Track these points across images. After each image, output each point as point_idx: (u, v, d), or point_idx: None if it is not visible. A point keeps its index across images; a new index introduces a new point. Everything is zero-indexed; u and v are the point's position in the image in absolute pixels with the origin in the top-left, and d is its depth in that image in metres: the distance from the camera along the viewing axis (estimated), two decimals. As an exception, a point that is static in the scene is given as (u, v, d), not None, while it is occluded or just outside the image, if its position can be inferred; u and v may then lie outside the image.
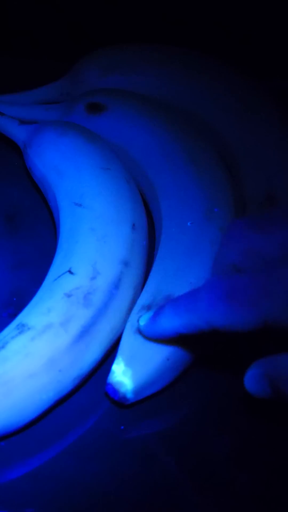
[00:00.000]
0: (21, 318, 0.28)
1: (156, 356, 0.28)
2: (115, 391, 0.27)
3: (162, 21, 0.50)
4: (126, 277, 0.29)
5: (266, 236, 0.25)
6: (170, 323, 0.26)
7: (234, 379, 0.31)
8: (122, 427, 0.29)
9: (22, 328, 0.27)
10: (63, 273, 0.29)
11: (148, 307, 0.29)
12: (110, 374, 0.28)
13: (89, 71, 0.43)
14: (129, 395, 0.28)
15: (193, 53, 0.43)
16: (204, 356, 0.30)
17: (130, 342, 0.28)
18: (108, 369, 0.28)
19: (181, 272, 0.30)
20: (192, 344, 0.28)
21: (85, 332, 0.27)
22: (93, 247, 0.30)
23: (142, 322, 0.28)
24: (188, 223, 0.32)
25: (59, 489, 0.27)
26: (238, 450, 0.29)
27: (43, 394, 0.27)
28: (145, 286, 0.31)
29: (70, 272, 0.29)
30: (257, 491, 0.28)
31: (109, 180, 0.33)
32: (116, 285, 0.29)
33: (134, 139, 0.37)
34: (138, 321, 0.28)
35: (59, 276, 0.29)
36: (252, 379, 0.25)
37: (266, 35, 0.48)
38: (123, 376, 0.28)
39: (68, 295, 0.28)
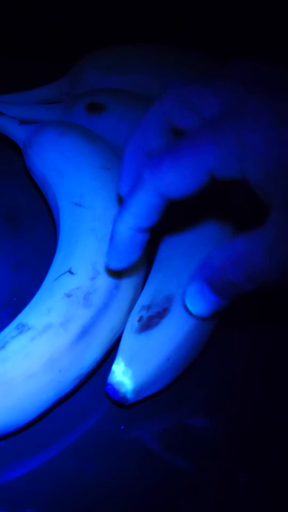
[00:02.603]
0: (21, 318, 0.28)
1: (156, 356, 0.28)
2: (115, 391, 0.27)
3: (162, 21, 0.50)
4: (126, 277, 0.29)
5: (211, 93, 0.23)
6: (125, 223, 0.24)
7: (234, 379, 0.31)
8: (122, 427, 0.29)
9: (22, 328, 0.27)
10: (63, 273, 0.29)
11: (148, 307, 0.29)
12: (110, 374, 0.28)
13: (89, 71, 0.43)
14: (129, 395, 0.28)
15: (193, 53, 0.43)
16: (204, 356, 0.30)
17: (130, 342, 0.28)
18: (108, 369, 0.28)
19: (181, 272, 0.30)
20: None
21: (85, 332, 0.27)
22: (93, 247, 0.30)
23: (106, 259, 0.26)
24: (188, 223, 0.32)
25: (59, 489, 0.27)
26: (238, 450, 0.29)
27: (43, 394, 0.27)
28: (145, 286, 0.31)
29: (70, 272, 0.29)
30: (257, 491, 0.28)
31: (109, 180, 0.33)
32: (116, 285, 0.29)
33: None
34: (104, 265, 0.26)
35: (59, 276, 0.29)
36: (193, 296, 0.25)
37: (266, 35, 0.48)
38: (123, 376, 0.28)
39: (68, 295, 0.28)
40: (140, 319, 0.29)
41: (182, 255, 0.31)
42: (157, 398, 0.29)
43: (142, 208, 0.24)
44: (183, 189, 0.23)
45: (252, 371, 0.32)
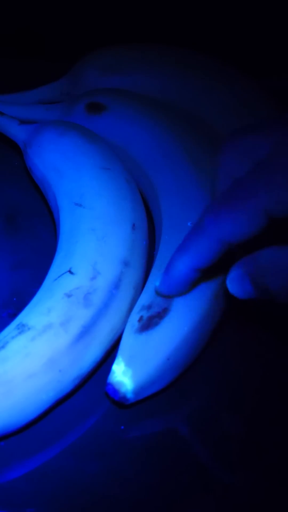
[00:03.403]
0: (21, 318, 0.28)
1: (156, 356, 0.28)
2: (115, 391, 0.27)
3: (161, 21, 0.50)
4: (126, 277, 0.29)
5: (260, 137, 0.24)
6: (184, 263, 0.26)
7: (234, 379, 0.31)
8: (122, 427, 0.29)
9: (22, 328, 0.27)
10: (63, 273, 0.29)
11: (148, 307, 0.29)
12: (110, 374, 0.28)
13: (89, 71, 0.43)
14: (129, 395, 0.28)
15: (193, 53, 0.43)
16: (204, 355, 0.30)
17: (130, 342, 0.28)
18: (108, 369, 0.28)
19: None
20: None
21: (85, 332, 0.27)
22: (93, 247, 0.30)
23: (157, 283, 0.27)
24: (188, 223, 0.32)
25: (59, 489, 0.27)
26: (238, 451, 0.29)
27: (43, 394, 0.27)
28: (145, 286, 0.31)
29: (70, 272, 0.29)
30: (257, 492, 0.28)
31: (109, 180, 0.33)
32: (116, 285, 0.29)
33: (134, 139, 0.37)
34: (155, 287, 0.28)
35: (59, 276, 0.29)
36: (234, 280, 0.25)
37: (265, 35, 0.48)
38: (123, 376, 0.28)
39: (68, 295, 0.28)
40: (140, 319, 0.29)
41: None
42: (157, 398, 0.29)
43: (202, 252, 0.25)
44: (244, 235, 0.24)
45: (252, 371, 0.32)
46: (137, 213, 0.32)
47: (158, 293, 0.29)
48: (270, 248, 0.24)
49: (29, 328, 0.27)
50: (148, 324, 0.28)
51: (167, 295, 0.28)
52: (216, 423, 0.30)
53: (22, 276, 0.35)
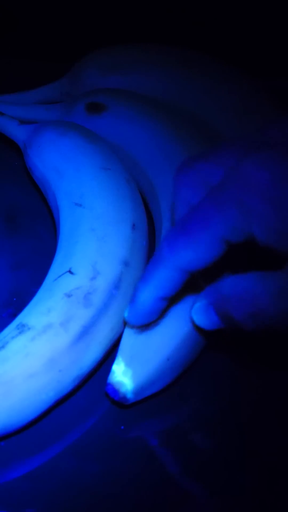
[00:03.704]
0: (21, 318, 0.28)
1: (156, 356, 0.28)
2: (115, 391, 0.27)
3: (161, 21, 0.50)
4: (126, 277, 0.29)
5: (213, 164, 0.24)
6: (147, 293, 0.26)
7: (234, 379, 0.31)
8: (122, 427, 0.29)
9: (22, 328, 0.27)
10: (63, 273, 0.29)
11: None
12: (110, 374, 0.28)
13: (89, 71, 0.43)
14: (129, 395, 0.28)
15: (193, 53, 0.43)
16: (204, 356, 0.30)
17: (130, 342, 0.28)
18: (108, 369, 0.28)
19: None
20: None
21: (85, 332, 0.27)
22: (93, 247, 0.30)
23: (126, 314, 0.27)
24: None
25: (59, 489, 0.27)
26: (239, 450, 0.29)
27: (43, 394, 0.27)
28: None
29: (70, 272, 0.29)
30: (258, 491, 0.28)
31: (109, 180, 0.33)
32: (116, 285, 0.29)
33: (134, 139, 0.37)
34: (124, 318, 0.28)
35: (59, 276, 0.29)
36: (199, 312, 0.25)
37: (265, 35, 0.48)
38: (123, 376, 0.28)
39: (68, 295, 0.28)
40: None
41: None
42: (157, 398, 0.29)
43: (163, 282, 0.25)
44: (203, 262, 0.24)
45: (251, 371, 0.32)
46: (137, 213, 0.32)
47: (127, 324, 0.28)
48: (231, 277, 0.24)
49: (29, 328, 0.27)
50: (148, 324, 0.28)
51: (137, 326, 0.28)
52: (216, 423, 0.30)
53: (22, 276, 0.35)
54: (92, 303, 0.28)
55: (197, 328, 0.28)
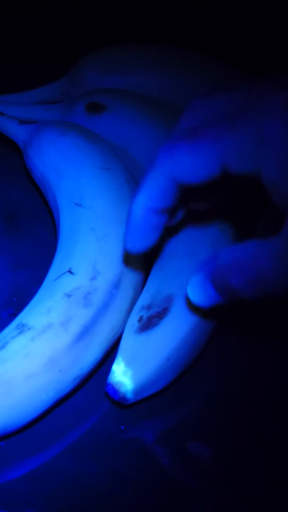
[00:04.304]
0: (21, 318, 0.28)
1: (156, 356, 0.28)
2: (115, 391, 0.27)
3: (161, 21, 0.50)
4: (126, 277, 0.29)
5: (230, 95, 0.23)
6: (138, 203, 0.24)
7: (234, 379, 0.31)
8: (122, 427, 0.29)
9: (22, 328, 0.27)
10: (63, 273, 0.29)
11: (148, 307, 0.29)
12: (110, 374, 0.28)
13: (89, 71, 0.43)
14: (129, 395, 0.28)
15: (192, 52, 0.43)
16: (204, 356, 0.30)
17: (130, 342, 0.28)
18: (108, 369, 0.28)
19: (181, 272, 0.30)
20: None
21: (85, 332, 0.27)
22: (93, 247, 0.30)
23: (124, 242, 0.25)
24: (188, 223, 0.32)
25: (59, 489, 0.27)
26: (238, 450, 0.29)
27: (43, 394, 0.27)
28: (145, 286, 0.31)
29: (70, 272, 0.29)
30: (258, 491, 0.28)
31: (109, 180, 0.33)
32: (116, 285, 0.29)
33: (134, 139, 0.37)
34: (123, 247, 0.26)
35: (59, 276, 0.29)
36: (195, 287, 0.24)
37: (264, 35, 0.48)
38: (123, 376, 0.28)
39: (68, 295, 0.28)
40: (140, 319, 0.29)
41: (182, 255, 0.31)
42: (157, 398, 0.29)
43: (155, 188, 0.24)
44: (194, 176, 0.22)
45: (251, 371, 0.32)
46: (137, 213, 0.32)
47: (127, 250, 0.26)
48: (228, 247, 0.23)
49: (29, 328, 0.27)
50: (148, 324, 0.28)
51: (136, 251, 0.26)
52: (216, 423, 0.30)
53: (22, 276, 0.35)
54: (92, 303, 0.28)
55: (192, 307, 0.27)
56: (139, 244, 0.25)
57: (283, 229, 0.21)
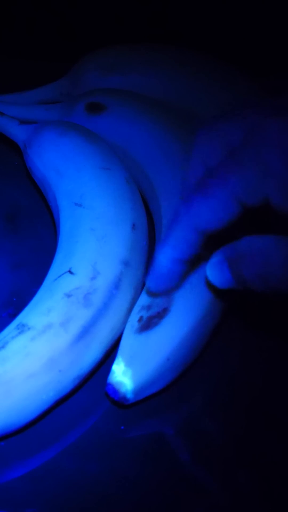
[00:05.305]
0: (21, 318, 0.28)
1: (156, 356, 0.28)
2: (115, 391, 0.27)
3: (161, 21, 0.50)
4: (126, 277, 0.29)
5: (233, 124, 0.24)
6: (165, 255, 0.26)
7: (234, 379, 0.31)
8: (122, 427, 0.29)
9: (22, 328, 0.27)
10: (63, 273, 0.29)
11: (148, 307, 0.29)
12: (110, 374, 0.28)
13: (88, 71, 0.43)
14: (129, 395, 0.28)
15: (192, 52, 0.43)
16: (204, 356, 0.30)
17: (130, 342, 0.28)
18: (108, 369, 0.28)
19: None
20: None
21: (85, 332, 0.27)
22: (93, 247, 0.30)
23: (146, 281, 0.27)
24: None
25: (59, 489, 0.27)
26: (239, 449, 0.29)
27: (43, 394, 0.27)
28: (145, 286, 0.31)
29: (70, 272, 0.29)
30: (258, 490, 0.28)
31: (109, 180, 0.33)
32: (116, 285, 0.29)
33: (134, 139, 0.37)
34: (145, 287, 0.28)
35: (59, 276, 0.29)
36: (214, 267, 0.25)
37: (264, 35, 0.48)
38: (123, 376, 0.28)
39: (68, 295, 0.28)
40: (140, 319, 0.29)
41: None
42: (157, 398, 0.29)
43: (180, 242, 0.25)
44: (218, 223, 0.24)
45: (252, 371, 0.32)
46: (137, 213, 0.32)
47: (148, 291, 0.29)
48: (249, 236, 0.24)
49: (29, 328, 0.27)
50: (148, 324, 0.28)
51: (157, 292, 0.28)
52: (216, 423, 0.30)
53: (22, 276, 0.35)
54: (92, 303, 0.28)
55: (208, 285, 0.27)
56: (163, 288, 0.28)
57: None
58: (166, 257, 0.26)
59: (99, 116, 0.38)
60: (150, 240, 0.33)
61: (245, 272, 0.23)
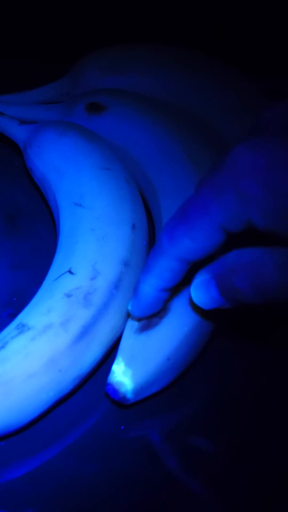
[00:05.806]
0: (21, 318, 0.28)
1: (156, 356, 0.28)
2: (115, 391, 0.27)
3: (161, 21, 0.50)
4: (126, 277, 0.29)
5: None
6: (148, 284, 0.26)
7: (234, 379, 0.31)
8: (122, 427, 0.29)
9: (22, 328, 0.27)
10: (63, 273, 0.29)
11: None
12: (110, 374, 0.28)
13: (89, 71, 0.43)
14: (129, 395, 0.28)
15: (192, 53, 0.43)
16: (204, 356, 0.30)
17: (130, 342, 0.28)
18: (108, 369, 0.28)
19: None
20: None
21: (85, 332, 0.27)
22: (93, 247, 0.30)
23: (129, 307, 0.27)
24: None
25: (59, 489, 0.27)
26: (239, 450, 0.29)
27: (43, 394, 0.27)
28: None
29: (70, 272, 0.29)
30: (257, 491, 0.28)
31: (109, 180, 0.33)
32: (116, 285, 0.29)
33: (134, 139, 0.37)
34: (127, 310, 0.28)
35: (59, 276, 0.29)
36: (199, 287, 0.25)
37: (264, 35, 0.48)
38: (123, 376, 0.28)
39: (68, 295, 0.28)
40: (140, 319, 0.29)
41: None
42: (157, 398, 0.29)
43: (164, 272, 0.25)
44: (202, 251, 0.23)
45: (251, 371, 0.32)
46: (137, 213, 0.32)
47: (131, 317, 0.28)
48: (236, 250, 0.23)
49: (29, 328, 0.27)
50: (148, 324, 0.28)
51: (141, 317, 0.28)
52: (217, 423, 0.30)
53: (22, 276, 0.35)
54: (92, 303, 0.28)
55: (193, 307, 0.27)
56: (145, 314, 0.28)
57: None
58: (152, 287, 0.26)
59: (99, 116, 0.38)
60: (150, 240, 0.33)
61: (239, 285, 0.23)
